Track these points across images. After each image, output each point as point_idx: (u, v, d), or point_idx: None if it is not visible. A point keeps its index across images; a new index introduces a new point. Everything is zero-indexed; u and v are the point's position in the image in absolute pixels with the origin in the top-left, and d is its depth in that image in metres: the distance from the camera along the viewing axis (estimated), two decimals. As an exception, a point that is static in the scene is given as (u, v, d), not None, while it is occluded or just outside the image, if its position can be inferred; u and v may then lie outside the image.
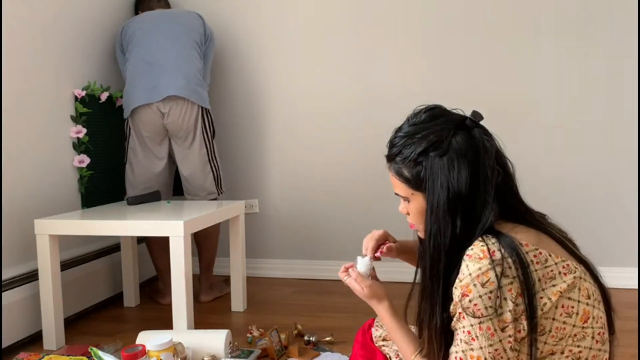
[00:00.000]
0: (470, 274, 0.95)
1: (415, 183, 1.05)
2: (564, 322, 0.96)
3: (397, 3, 2.81)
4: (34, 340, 2.08)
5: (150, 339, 1.64)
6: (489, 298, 0.93)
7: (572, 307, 0.97)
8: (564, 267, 0.98)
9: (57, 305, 2.04)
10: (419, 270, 1.10)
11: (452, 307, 0.99)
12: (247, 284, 2.87)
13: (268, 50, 2.98)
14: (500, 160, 1.05)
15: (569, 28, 2.65)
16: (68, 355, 1.87)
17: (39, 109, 2.25)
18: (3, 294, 1.97)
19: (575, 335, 0.97)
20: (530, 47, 2.69)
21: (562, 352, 0.97)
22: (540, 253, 0.98)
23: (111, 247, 2.62)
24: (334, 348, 1.96)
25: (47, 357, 1.86)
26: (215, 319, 2.37)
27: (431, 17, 2.78)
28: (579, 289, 0.98)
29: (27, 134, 2.19)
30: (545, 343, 0.96)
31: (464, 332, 0.97)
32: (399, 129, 1.10)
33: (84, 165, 2.46)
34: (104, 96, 2.58)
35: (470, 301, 0.95)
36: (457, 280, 0.98)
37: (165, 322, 2.17)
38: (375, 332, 1.36)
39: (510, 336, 0.94)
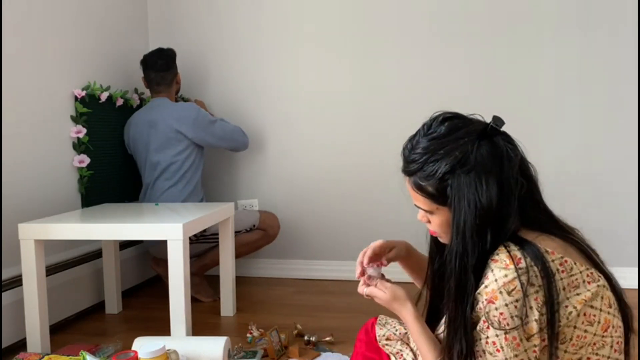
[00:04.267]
0: (496, 280, 0.93)
1: (441, 199, 1.01)
2: (585, 331, 0.95)
3: (398, 6, 2.81)
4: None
5: (143, 346, 1.59)
6: (515, 307, 0.92)
7: (594, 315, 0.96)
8: (588, 275, 0.97)
9: (42, 312, 1.95)
10: (445, 292, 1.04)
11: (474, 313, 0.97)
12: (247, 284, 2.88)
13: (268, 50, 2.98)
14: (524, 169, 1.02)
15: (569, 29, 2.65)
16: (68, 355, 1.87)
17: (39, 109, 2.25)
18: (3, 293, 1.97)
19: (595, 343, 0.96)
20: (531, 49, 2.69)
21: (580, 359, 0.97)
22: (566, 261, 0.97)
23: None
24: (334, 348, 1.96)
25: (47, 357, 1.86)
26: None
27: (431, 19, 2.78)
28: (602, 298, 0.97)
29: (27, 133, 2.19)
30: (565, 351, 0.95)
31: (487, 342, 0.95)
32: (416, 142, 1.04)
33: (84, 165, 2.46)
34: (104, 96, 2.58)
35: (496, 309, 0.93)
36: (481, 285, 0.95)
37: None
38: (379, 331, 1.36)
39: (535, 346, 0.93)
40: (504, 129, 1.03)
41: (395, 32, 2.83)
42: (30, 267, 1.93)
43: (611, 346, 0.97)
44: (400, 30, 2.82)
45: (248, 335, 2.03)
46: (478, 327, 0.97)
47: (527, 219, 1.01)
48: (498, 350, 0.94)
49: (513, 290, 0.92)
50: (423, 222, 1.11)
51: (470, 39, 2.74)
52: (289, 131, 2.99)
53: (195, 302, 2.46)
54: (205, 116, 2.66)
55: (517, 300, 0.92)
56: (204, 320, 2.31)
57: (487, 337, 0.95)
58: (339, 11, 2.89)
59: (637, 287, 2.53)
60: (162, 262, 2.47)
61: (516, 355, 0.93)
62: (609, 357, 0.97)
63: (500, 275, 0.93)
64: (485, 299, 0.94)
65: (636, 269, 2.59)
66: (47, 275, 2.02)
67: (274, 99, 3.00)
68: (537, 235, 0.99)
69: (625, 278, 2.58)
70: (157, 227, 1.93)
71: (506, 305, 0.92)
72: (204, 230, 2.52)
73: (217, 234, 2.46)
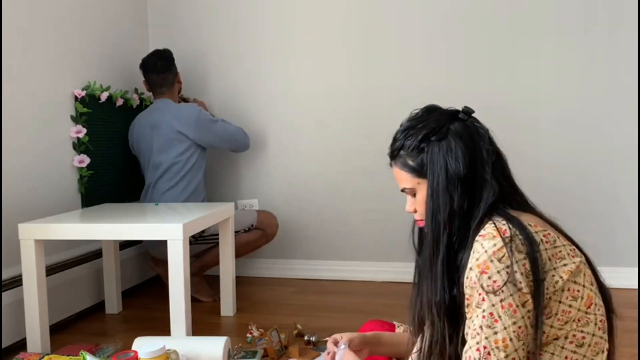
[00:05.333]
0: (486, 251, 0.96)
1: (420, 170, 1.09)
2: (570, 306, 0.97)
3: (397, 5, 2.81)
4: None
5: (143, 346, 1.59)
6: (507, 273, 0.94)
7: (578, 290, 0.98)
8: (570, 250, 1.01)
9: (42, 312, 1.94)
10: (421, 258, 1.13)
11: (469, 290, 0.98)
12: (247, 284, 2.88)
13: (268, 50, 2.98)
14: (493, 144, 1.10)
15: (570, 28, 2.65)
16: (68, 355, 1.87)
17: (39, 109, 2.25)
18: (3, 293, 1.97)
19: (579, 320, 0.98)
20: (531, 47, 2.69)
21: (566, 337, 0.98)
22: (549, 234, 1.00)
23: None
24: (334, 348, 1.96)
25: (47, 357, 1.86)
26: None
27: (432, 19, 2.78)
28: (584, 275, 1.00)
29: (27, 134, 2.19)
30: (551, 327, 0.97)
31: (484, 316, 0.95)
32: (399, 127, 1.14)
33: (84, 165, 2.46)
34: (104, 96, 2.58)
35: (489, 278, 0.95)
36: (472, 260, 0.98)
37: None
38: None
39: (529, 311, 0.95)
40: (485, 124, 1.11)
41: (395, 32, 2.82)
42: (30, 267, 1.92)
43: (595, 324, 0.99)
44: (400, 30, 2.82)
45: (248, 335, 2.03)
46: (474, 304, 0.97)
47: (506, 197, 1.08)
48: (496, 321, 0.94)
49: (503, 257, 0.95)
50: (411, 213, 1.15)
51: (471, 39, 2.74)
52: (289, 131, 2.99)
53: (195, 302, 2.45)
54: (206, 116, 2.67)
55: (507, 267, 0.94)
56: (204, 320, 2.31)
57: (484, 311, 0.95)
58: (338, 11, 2.89)
59: (637, 287, 2.54)
60: (162, 262, 2.47)
61: (514, 323, 0.94)
62: (593, 335, 0.99)
63: (489, 245, 0.96)
64: (478, 272, 0.96)
65: (636, 269, 2.59)
66: (47, 275, 2.02)
67: (274, 99, 3.00)
68: (520, 213, 1.05)
69: (625, 278, 2.60)
70: (157, 227, 1.93)
71: (498, 272, 0.94)
72: (203, 231, 2.52)
73: (216, 235, 2.47)
